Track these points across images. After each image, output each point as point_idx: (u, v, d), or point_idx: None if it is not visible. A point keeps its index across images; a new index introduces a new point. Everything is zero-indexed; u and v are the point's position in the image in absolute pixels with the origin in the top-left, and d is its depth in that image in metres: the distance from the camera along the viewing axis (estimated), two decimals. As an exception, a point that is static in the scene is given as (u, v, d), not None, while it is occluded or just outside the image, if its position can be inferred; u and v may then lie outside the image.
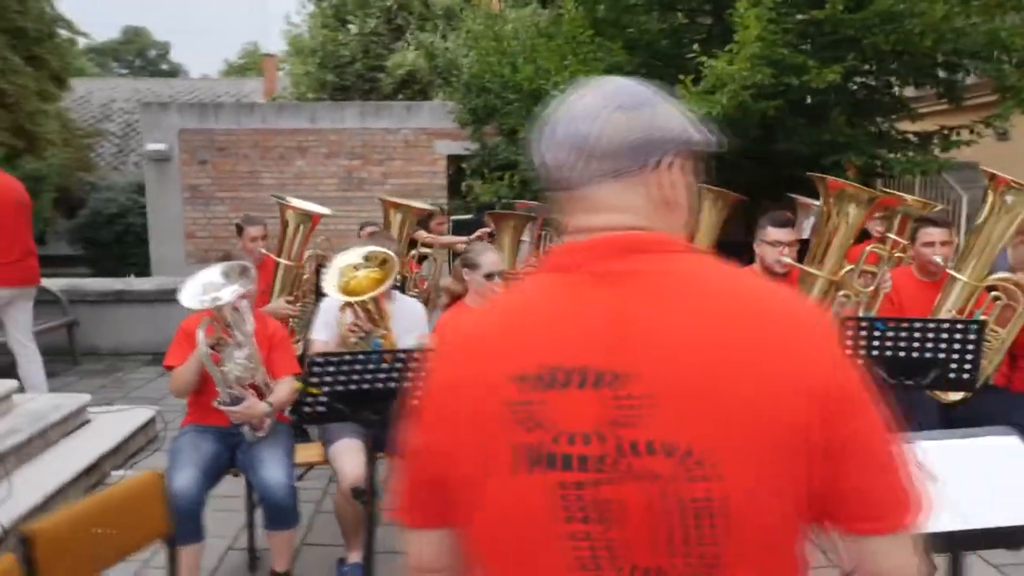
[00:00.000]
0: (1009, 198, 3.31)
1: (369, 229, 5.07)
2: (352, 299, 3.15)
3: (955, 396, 3.48)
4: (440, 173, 9.98)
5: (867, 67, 6.47)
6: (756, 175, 6.23)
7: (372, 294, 3.13)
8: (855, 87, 6.77)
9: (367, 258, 3.24)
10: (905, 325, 3.00)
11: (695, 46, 5.65)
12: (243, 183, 9.21)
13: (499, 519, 0.90)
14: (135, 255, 12.42)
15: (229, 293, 2.97)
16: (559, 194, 0.97)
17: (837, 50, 5.79)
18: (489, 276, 3.34)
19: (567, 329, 0.89)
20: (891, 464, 0.88)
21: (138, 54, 40.82)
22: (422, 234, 5.62)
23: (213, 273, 3.05)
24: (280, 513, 2.99)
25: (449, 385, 0.95)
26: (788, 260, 3.57)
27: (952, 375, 3.00)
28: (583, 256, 0.92)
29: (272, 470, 3.00)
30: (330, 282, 3.20)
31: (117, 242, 14.84)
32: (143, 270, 9.92)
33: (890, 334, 3.00)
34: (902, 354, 3.01)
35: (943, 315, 3.49)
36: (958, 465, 1.68)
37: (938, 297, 3.57)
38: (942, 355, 2.97)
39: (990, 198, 3.39)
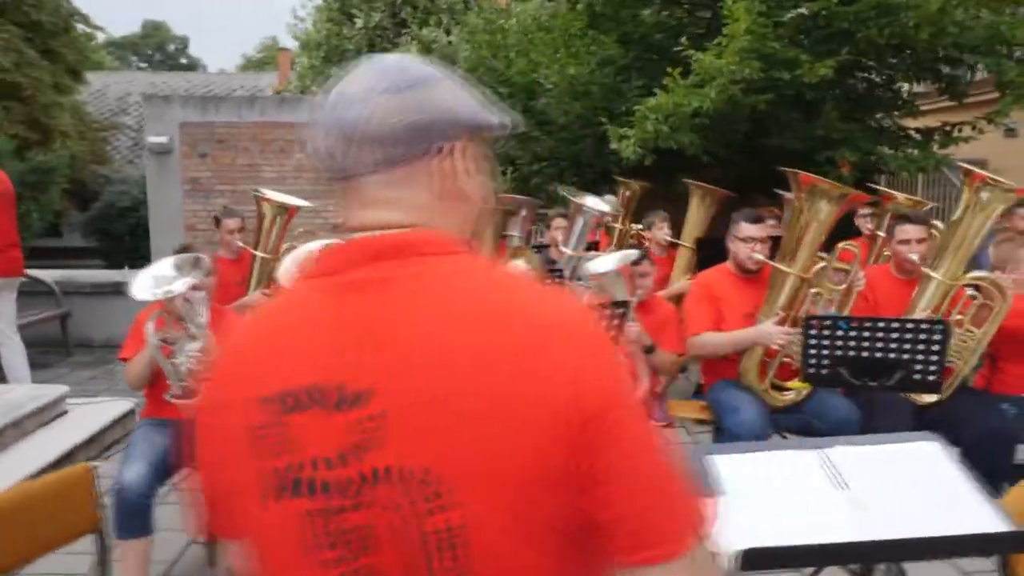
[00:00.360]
0: (984, 195, 3.21)
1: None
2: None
3: (929, 398, 3.40)
4: (440, 167, 9.92)
5: (867, 62, 6.33)
6: (747, 170, 6.13)
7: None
8: (854, 82, 6.63)
9: (324, 251, 3.20)
10: (868, 325, 2.92)
11: (682, 39, 5.54)
12: (242, 176, 9.18)
13: (257, 544, 0.86)
14: (146, 247, 12.50)
15: (181, 285, 2.95)
16: (335, 185, 0.89)
17: (831, 44, 5.67)
18: None
19: (313, 344, 0.82)
20: (662, 485, 0.79)
21: (157, 48, 41.17)
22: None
23: (165, 266, 3.04)
24: (231, 508, 2.96)
25: (208, 406, 0.90)
26: (760, 257, 3.51)
27: (917, 376, 2.92)
28: (342, 260, 0.85)
29: (224, 464, 2.98)
30: (287, 275, 3.17)
31: (130, 235, 14.96)
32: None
33: (852, 334, 2.92)
34: (866, 354, 2.93)
35: (918, 314, 3.40)
36: (875, 472, 1.62)
37: (913, 295, 3.47)
38: (906, 356, 2.89)
39: (966, 195, 3.30)
